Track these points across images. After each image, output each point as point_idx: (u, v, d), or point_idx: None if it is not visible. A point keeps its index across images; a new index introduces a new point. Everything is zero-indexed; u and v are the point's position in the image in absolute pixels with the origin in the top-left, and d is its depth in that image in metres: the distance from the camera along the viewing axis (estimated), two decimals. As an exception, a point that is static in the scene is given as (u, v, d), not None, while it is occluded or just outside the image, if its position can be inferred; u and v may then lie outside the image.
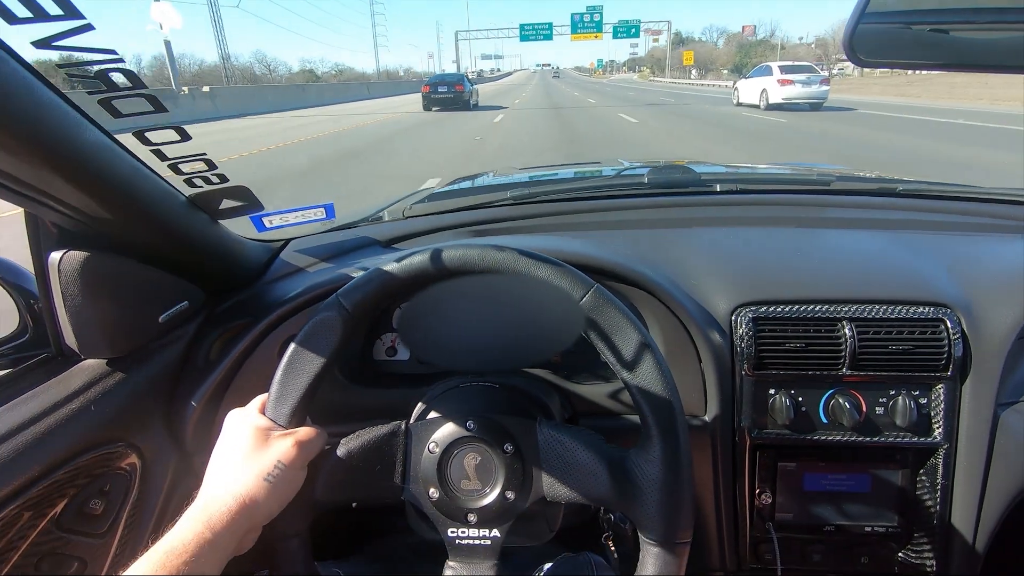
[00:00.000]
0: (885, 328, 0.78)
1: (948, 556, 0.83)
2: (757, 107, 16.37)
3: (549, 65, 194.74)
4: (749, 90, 17.33)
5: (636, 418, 0.82)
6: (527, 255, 0.56)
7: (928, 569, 0.84)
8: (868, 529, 0.84)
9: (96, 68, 0.49)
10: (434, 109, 18.17)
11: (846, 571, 0.88)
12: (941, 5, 0.76)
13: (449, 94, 18.11)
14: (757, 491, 0.84)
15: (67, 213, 0.58)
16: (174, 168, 0.69)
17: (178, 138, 0.63)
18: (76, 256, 0.62)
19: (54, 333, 0.68)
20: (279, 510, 0.52)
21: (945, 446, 0.79)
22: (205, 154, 0.69)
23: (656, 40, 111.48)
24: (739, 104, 17.83)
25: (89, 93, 0.52)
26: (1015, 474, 0.79)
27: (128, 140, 0.61)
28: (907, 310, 0.79)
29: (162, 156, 0.66)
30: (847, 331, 0.77)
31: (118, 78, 0.51)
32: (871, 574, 0.88)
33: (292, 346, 0.57)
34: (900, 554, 0.87)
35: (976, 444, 0.79)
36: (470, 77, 22.70)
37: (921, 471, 0.82)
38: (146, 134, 0.60)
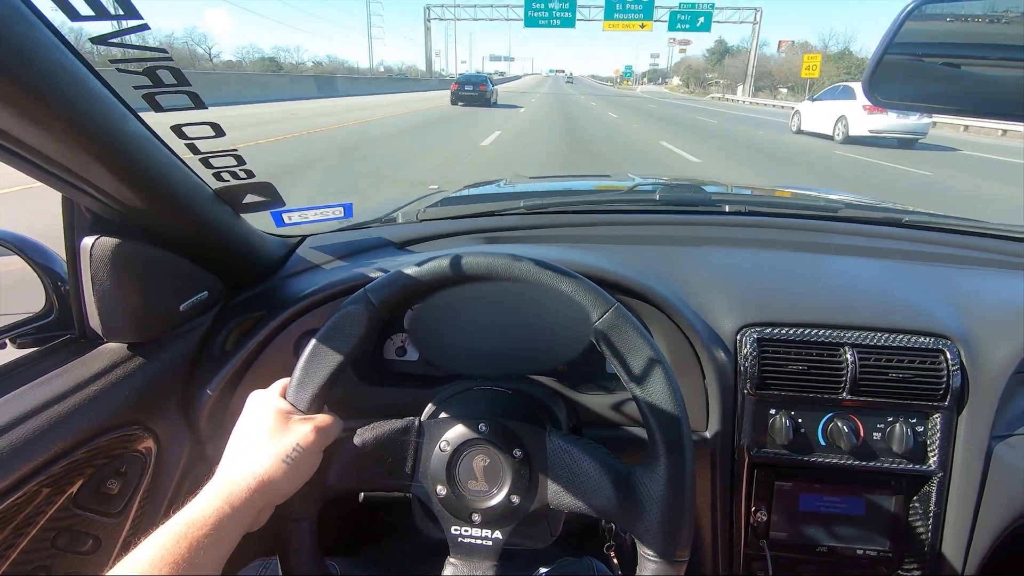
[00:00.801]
0: (886, 356, 0.80)
1: None
2: (829, 138, 12.84)
3: (563, 71, 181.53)
4: (817, 116, 13.58)
5: (639, 430, 0.84)
6: (551, 268, 0.58)
7: None
8: (860, 552, 0.86)
9: (146, 65, 0.51)
10: (460, 104, 20.96)
11: None
12: (966, 43, 0.78)
13: (474, 92, 21.13)
14: (753, 508, 0.85)
15: (103, 200, 0.60)
16: (205, 162, 0.71)
17: (213, 134, 0.65)
18: (108, 242, 0.65)
19: (79, 315, 0.70)
20: (294, 491, 0.54)
21: (939, 475, 0.81)
22: (236, 150, 0.71)
23: (683, 51, 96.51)
24: (799, 131, 14.43)
25: (135, 88, 0.54)
26: (1006, 506, 0.80)
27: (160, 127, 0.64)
28: (908, 339, 0.80)
29: (195, 150, 0.68)
30: (849, 356, 0.79)
31: (164, 75, 0.53)
32: None
33: (317, 335, 0.59)
34: None
35: (969, 474, 0.80)
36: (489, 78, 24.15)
37: (915, 498, 0.84)
38: (183, 128, 0.62)
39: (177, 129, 0.63)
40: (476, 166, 7.83)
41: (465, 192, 1.52)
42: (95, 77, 0.50)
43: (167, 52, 0.51)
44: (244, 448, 0.53)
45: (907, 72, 0.81)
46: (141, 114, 0.57)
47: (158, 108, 0.57)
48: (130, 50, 0.50)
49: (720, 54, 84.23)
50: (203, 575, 0.44)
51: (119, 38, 0.46)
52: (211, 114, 0.62)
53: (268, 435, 0.53)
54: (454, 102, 21.10)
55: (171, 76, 0.53)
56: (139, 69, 0.52)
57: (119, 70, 0.51)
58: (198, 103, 0.58)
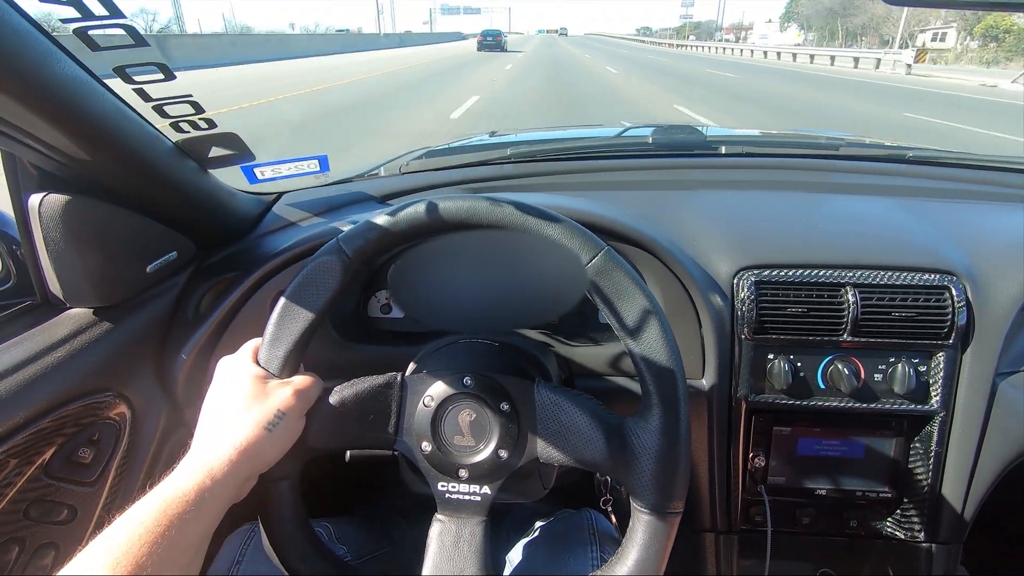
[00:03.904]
0: (889, 294, 0.77)
1: (936, 523, 0.83)
2: None
3: (556, 31, 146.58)
4: None
5: (633, 381, 0.82)
6: (537, 212, 0.53)
7: (916, 535, 0.85)
8: (859, 494, 0.85)
9: (68, -9, 0.46)
10: (483, 51, 32.87)
11: (835, 534, 0.89)
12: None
13: (493, 42, 34.01)
14: (751, 455, 0.84)
15: (44, 152, 0.55)
16: (159, 110, 0.66)
17: (161, 77, 0.60)
18: (57, 199, 0.60)
19: (38, 280, 0.66)
20: (279, 457, 0.51)
21: (941, 414, 0.79)
22: (191, 96, 0.66)
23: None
24: None
25: (63, 21, 0.48)
26: (1008, 444, 0.79)
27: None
28: (912, 276, 0.77)
29: (146, 96, 0.63)
30: (850, 297, 0.76)
31: (92, 4, 0.48)
32: (860, 538, 0.89)
33: (288, 289, 0.55)
34: (889, 520, 0.88)
35: (972, 413, 0.78)
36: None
37: (915, 439, 0.82)
38: (127, 70, 0.57)
39: (121, 71, 0.57)
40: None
41: (451, 144, 1.46)
42: (12, 8, 0.45)
43: (89, -26, 0.45)
44: (221, 418, 0.50)
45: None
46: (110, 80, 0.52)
47: (94, 46, 0.51)
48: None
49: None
50: (184, 551, 0.42)
51: None
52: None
53: (245, 402, 0.50)
54: (479, 49, 33.41)
55: (100, 5, 0.48)
56: None
57: (39, -2, 0.45)
58: (138, 39, 0.53)
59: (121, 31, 0.51)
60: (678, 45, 49.66)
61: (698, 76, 17.16)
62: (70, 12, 0.47)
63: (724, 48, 40.64)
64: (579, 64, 21.66)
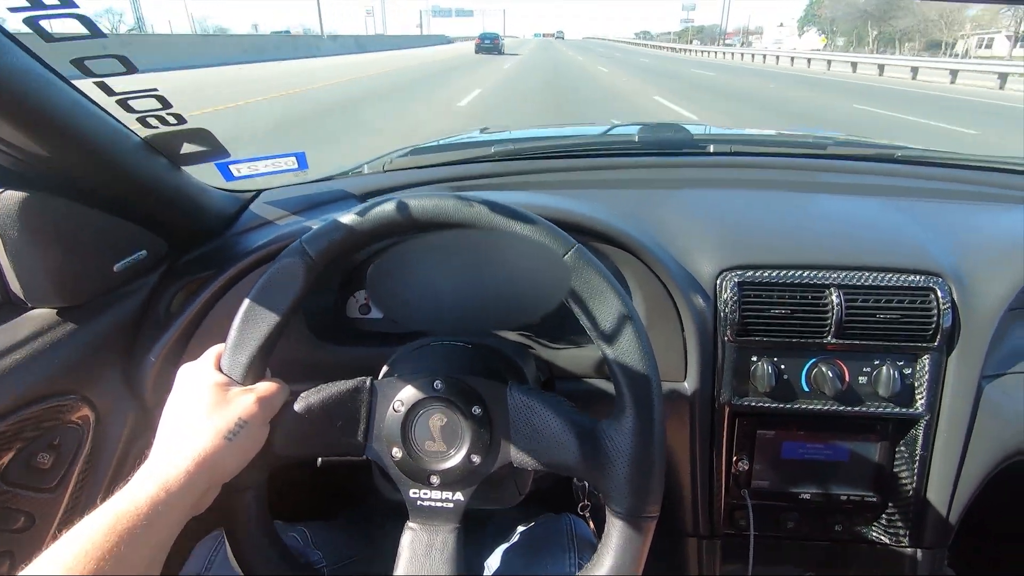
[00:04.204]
0: (874, 296, 0.75)
1: (922, 527, 0.82)
2: None
3: (553, 34, 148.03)
4: None
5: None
6: (508, 210, 0.52)
7: (901, 539, 0.84)
8: (843, 498, 0.84)
9: (15, -21, 0.44)
10: (481, 53, 33.42)
11: (820, 539, 0.88)
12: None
13: (490, 44, 34.16)
14: (734, 458, 0.83)
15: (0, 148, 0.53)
16: (124, 105, 0.64)
17: (123, 69, 0.58)
18: (12, 196, 0.58)
19: None
20: (241, 468, 0.50)
21: (926, 417, 0.78)
22: (156, 89, 0.64)
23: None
24: None
25: (11, 10, 0.46)
26: (993, 447, 0.78)
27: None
28: (897, 278, 0.76)
29: (108, 90, 0.60)
30: (834, 298, 0.75)
31: None
32: (845, 542, 0.88)
33: (251, 293, 0.54)
34: (874, 524, 0.86)
35: (957, 416, 0.77)
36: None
37: (900, 442, 0.81)
38: (86, 62, 0.55)
39: (79, 63, 0.55)
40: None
41: (437, 142, 1.44)
42: None
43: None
44: (181, 426, 0.49)
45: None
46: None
47: (47, 37, 0.50)
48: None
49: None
50: (135, 566, 0.40)
51: None
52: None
53: (206, 411, 0.49)
54: (477, 52, 33.97)
55: None
56: None
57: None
58: (93, 29, 0.51)
59: (75, 21, 0.49)
60: (703, 51, 42.12)
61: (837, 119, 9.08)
62: (19, 1, 0.45)
63: (764, 55, 31.48)
64: (596, 84, 14.63)
